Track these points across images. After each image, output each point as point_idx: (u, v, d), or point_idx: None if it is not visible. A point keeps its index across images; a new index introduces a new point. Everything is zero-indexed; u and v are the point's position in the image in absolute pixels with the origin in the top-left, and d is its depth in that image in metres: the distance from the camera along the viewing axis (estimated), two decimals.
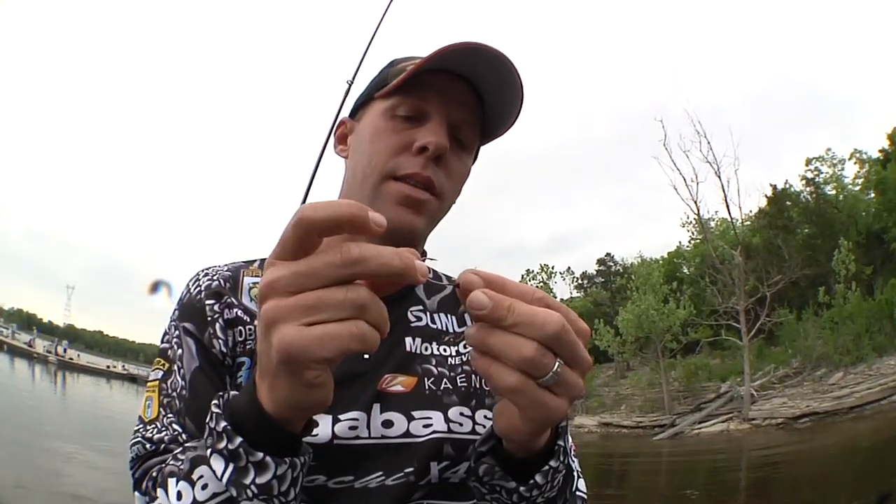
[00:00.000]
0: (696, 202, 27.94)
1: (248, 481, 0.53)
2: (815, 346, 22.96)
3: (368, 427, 0.74)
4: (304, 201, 0.76)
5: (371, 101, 0.84)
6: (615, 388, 34.46)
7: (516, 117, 0.82)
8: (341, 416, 0.72)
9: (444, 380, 0.80)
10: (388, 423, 0.75)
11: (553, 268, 44.31)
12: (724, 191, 27.00)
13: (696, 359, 30.51)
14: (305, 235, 0.45)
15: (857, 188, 36.20)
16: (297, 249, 0.46)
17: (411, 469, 0.73)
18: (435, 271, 0.91)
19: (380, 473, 0.72)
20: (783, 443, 16.24)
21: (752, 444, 17.32)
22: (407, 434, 0.75)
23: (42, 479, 5.97)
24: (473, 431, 0.78)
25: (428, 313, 0.87)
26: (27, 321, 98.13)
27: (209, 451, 0.55)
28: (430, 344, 0.83)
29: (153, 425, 0.74)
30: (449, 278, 0.84)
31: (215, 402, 0.57)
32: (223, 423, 0.54)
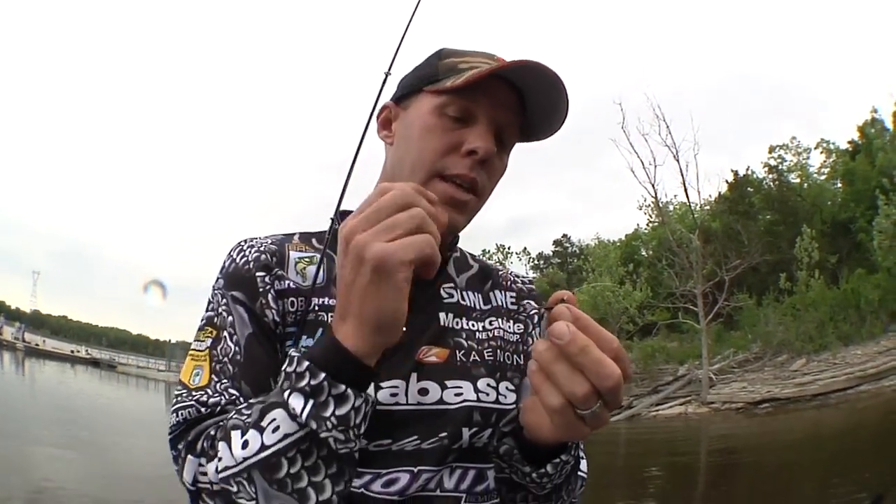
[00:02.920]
0: (653, 185, 28.09)
1: (328, 414, 0.61)
2: (776, 331, 23.18)
3: (406, 394, 0.79)
4: (346, 182, 0.82)
5: (420, 93, 0.85)
6: None
7: (558, 128, 0.87)
8: (383, 385, 0.78)
9: (473, 353, 0.87)
10: (423, 391, 0.81)
11: (509, 248, 44.10)
12: (682, 174, 27.25)
13: (653, 341, 30.61)
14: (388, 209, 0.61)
15: (823, 177, 36.93)
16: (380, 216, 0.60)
17: (445, 434, 0.80)
18: (462, 250, 1.00)
19: (415, 437, 0.78)
20: (743, 427, 16.43)
21: (711, 427, 17.42)
22: (440, 402, 0.81)
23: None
24: (497, 401, 0.85)
25: (458, 290, 0.93)
26: None
27: (287, 392, 0.62)
28: (461, 319, 0.89)
29: (203, 391, 0.76)
30: (473, 256, 1.02)
31: (292, 351, 0.64)
32: (305, 363, 0.61)
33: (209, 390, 0.75)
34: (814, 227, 27.21)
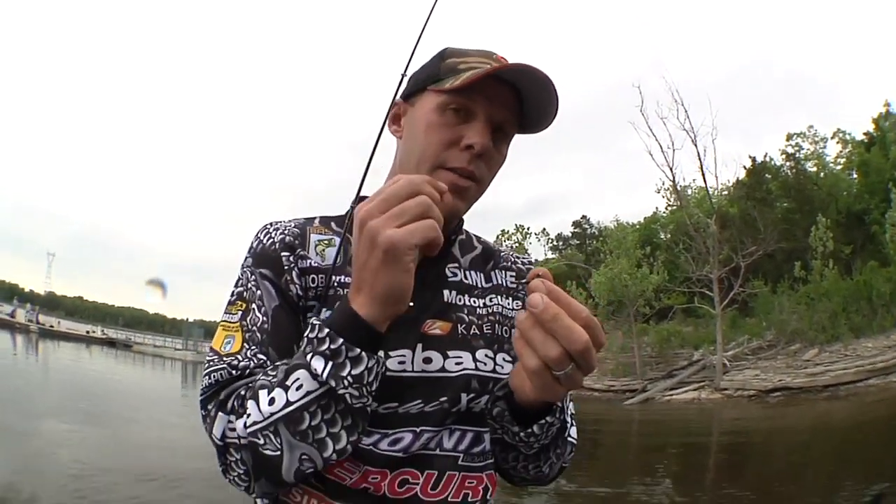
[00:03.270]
0: (671, 169, 28.26)
1: (345, 373, 0.72)
2: (790, 320, 23.26)
3: (412, 363, 0.88)
4: (365, 173, 0.94)
5: (424, 91, 0.93)
6: None
7: (551, 122, 0.95)
8: (391, 353, 0.86)
9: (474, 326, 0.96)
10: (427, 360, 0.89)
11: (528, 229, 44.24)
12: (700, 159, 27.39)
13: (669, 325, 30.84)
14: (395, 199, 0.70)
15: (839, 167, 36.60)
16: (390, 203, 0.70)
17: (445, 398, 0.88)
18: (468, 232, 1.07)
19: (419, 401, 0.87)
20: (755, 415, 16.41)
21: (724, 415, 17.48)
22: (442, 370, 0.90)
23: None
24: (494, 371, 0.94)
25: (462, 270, 1.01)
26: (9, 292, 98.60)
27: (309, 355, 0.73)
28: (463, 296, 0.98)
29: (234, 357, 0.84)
30: (479, 238, 1.09)
31: (313, 320, 0.75)
32: (326, 330, 0.72)
33: (240, 356, 0.84)
34: (829, 217, 27.07)
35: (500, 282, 1.05)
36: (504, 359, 0.96)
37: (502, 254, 1.10)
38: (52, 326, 52.16)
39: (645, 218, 42.91)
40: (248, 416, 0.74)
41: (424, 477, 0.87)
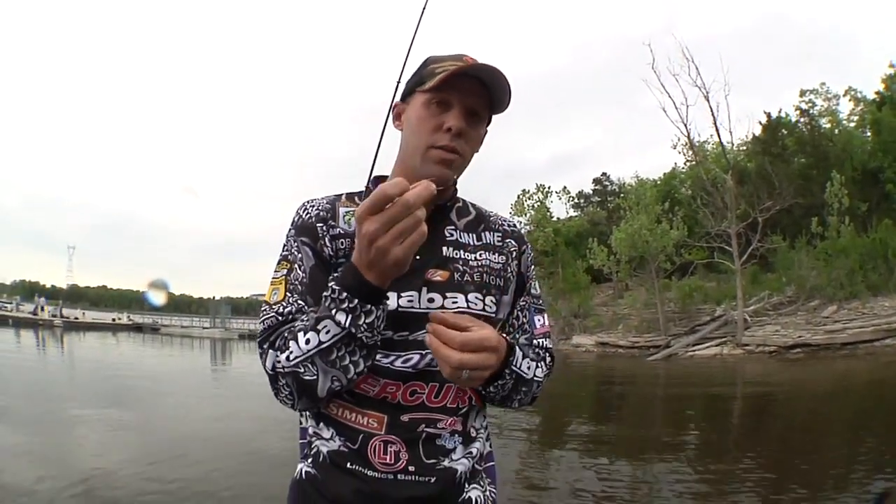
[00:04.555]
0: (685, 125, 28.67)
1: (361, 322, 0.96)
2: (809, 276, 23.65)
3: (419, 301, 1.12)
4: (375, 157, 1.25)
5: (414, 93, 1.19)
6: (613, 308, 35.22)
7: (508, 102, 1.19)
8: (402, 294, 1.11)
9: (467, 275, 1.19)
10: (430, 300, 1.13)
11: (549, 187, 44.02)
12: (713, 115, 27.73)
13: (690, 281, 31.21)
14: (386, 200, 0.86)
15: (853, 125, 36.39)
16: (381, 207, 0.86)
17: None
18: (464, 200, 1.32)
19: (425, 331, 1.03)
20: (776, 372, 16.65)
21: (746, 371, 17.63)
22: (442, 307, 1.13)
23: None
24: (483, 310, 1.18)
25: (458, 231, 1.25)
26: (30, 290, 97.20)
27: (334, 310, 0.96)
28: (459, 251, 1.21)
29: (279, 304, 1.11)
30: (473, 205, 1.32)
31: (333, 283, 0.97)
32: (345, 294, 0.95)
33: (284, 303, 1.11)
34: (844, 174, 27.12)
35: (488, 241, 1.27)
36: (491, 301, 1.20)
37: (491, 218, 1.33)
38: (76, 319, 51.65)
39: (664, 174, 42.76)
40: (291, 352, 1.00)
41: (429, 388, 1.12)
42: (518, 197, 43.31)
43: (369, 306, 0.95)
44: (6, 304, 54.63)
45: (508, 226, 1.34)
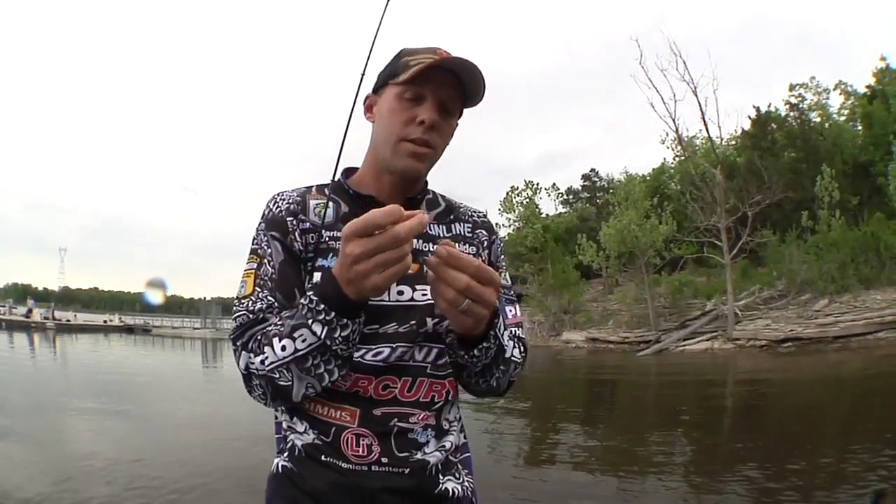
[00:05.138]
0: (674, 120, 28.66)
1: (336, 335, 0.95)
2: (800, 270, 23.67)
3: (388, 294, 1.10)
4: (341, 149, 1.18)
5: (387, 85, 1.16)
6: (603, 304, 35.16)
7: (482, 96, 1.17)
8: None
9: None
10: (400, 292, 1.12)
11: (538, 184, 43.92)
12: (701, 110, 27.83)
13: (680, 275, 31.21)
14: (375, 227, 0.83)
15: (843, 118, 36.45)
16: (369, 231, 0.83)
17: (414, 322, 1.11)
18: (434, 192, 1.30)
19: (394, 323, 1.09)
20: (767, 366, 16.63)
21: (738, 365, 17.64)
22: (412, 300, 1.12)
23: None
24: None
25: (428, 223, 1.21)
26: (22, 293, 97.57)
27: (310, 320, 0.95)
28: (428, 243, 1.19)
29: (248, 298, 1.09)
30: (443, 197, 1.32)
31: (311, 292, 0.96)
32: (322, 305, 0.94)
33: (253, 297, 1.08)
34: (835, 168, 27.18)
35: (458, 232, 1.27)
36: None
37: (461, 209, 1.33)
38: (68, 321, 52.43)
39: (654, 169, 42.60)
40: (266, 357, 0.99)
41: (402, 382, 1.11)
42: (507, 194, 43.20)
43: (345, 320, 0.95)
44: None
45: (478, 216, 1.33)
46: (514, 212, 42.93)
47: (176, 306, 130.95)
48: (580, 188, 52.92)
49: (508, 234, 42.66)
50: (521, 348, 1.24)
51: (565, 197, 52.57)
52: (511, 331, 1.22)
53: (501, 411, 9.60)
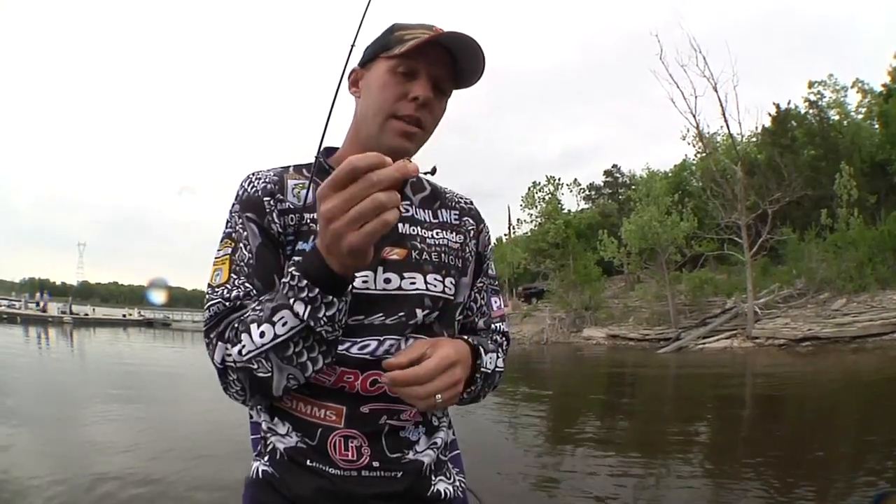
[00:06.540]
0: (694, 115, 28.61)
1: (321, 315, 0.86)
2: (819, 268, 23.66)
3: (375, 282, 1.03)
4: (326, 126, 1.10)
5: (377, 59, 1.10)
6: (624, 300, 35.25)
7: (481, 74, 1.11)
8: (357, 274, 0.97)
9: (424, 253, 1.11)
10: (387, 280, 1.05)
11: (559, 179, 43.72)
12: (722, 106, 27.57)
13: (701, 272, 31.17)
14: (353, 174, 0.73)
15: (860, 116, 36.12)
16: (346, 182, 0.74)
17: (403, 313, 1.04)
18: (419, 176, 1.20)
19: (381, 315, 1.02)
20: (786, 366, 16.50)
21: (756, 365, 17.48)
22: (399, 288, 1.05)
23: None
24: (443, 292, 1.11)
25: (413, 206, 1.17)
26: (39, 288, 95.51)
27: (292, 299, 0.86)
28: (415, 227, 1.13)
29: (224, 287, 1.00)
30: (428, 181, 1.24)
31: (293, 269, 0.86)
32: (305, 281, 0.85)
33: (228, 285, 1.00)
34: (853, 166, 27.00)
35: (445, 219, 1.20)
36: (450, 282, 1.12)
37: (447, 195, 1.25)
38: (86, 315, 52.81)
39: (675, 166, 42.47)
40: (243, 346, 0.90)
41: None
42: (529, 189, 43.24)
43: (331, 297, 0.86)
44: (15, 302, 55.10)
45: (465, 203, 1.27)
46: (536, 207, 42.72)
47: (198, 301, 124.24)
48: (602, 184, 52.99)
49: (531, 229, 42.69)
50: (505, 346, 1.23)
51: (587, 193, 52.67)
52: (496, 326, 1.24)
53: (522, 400, 9.83)
